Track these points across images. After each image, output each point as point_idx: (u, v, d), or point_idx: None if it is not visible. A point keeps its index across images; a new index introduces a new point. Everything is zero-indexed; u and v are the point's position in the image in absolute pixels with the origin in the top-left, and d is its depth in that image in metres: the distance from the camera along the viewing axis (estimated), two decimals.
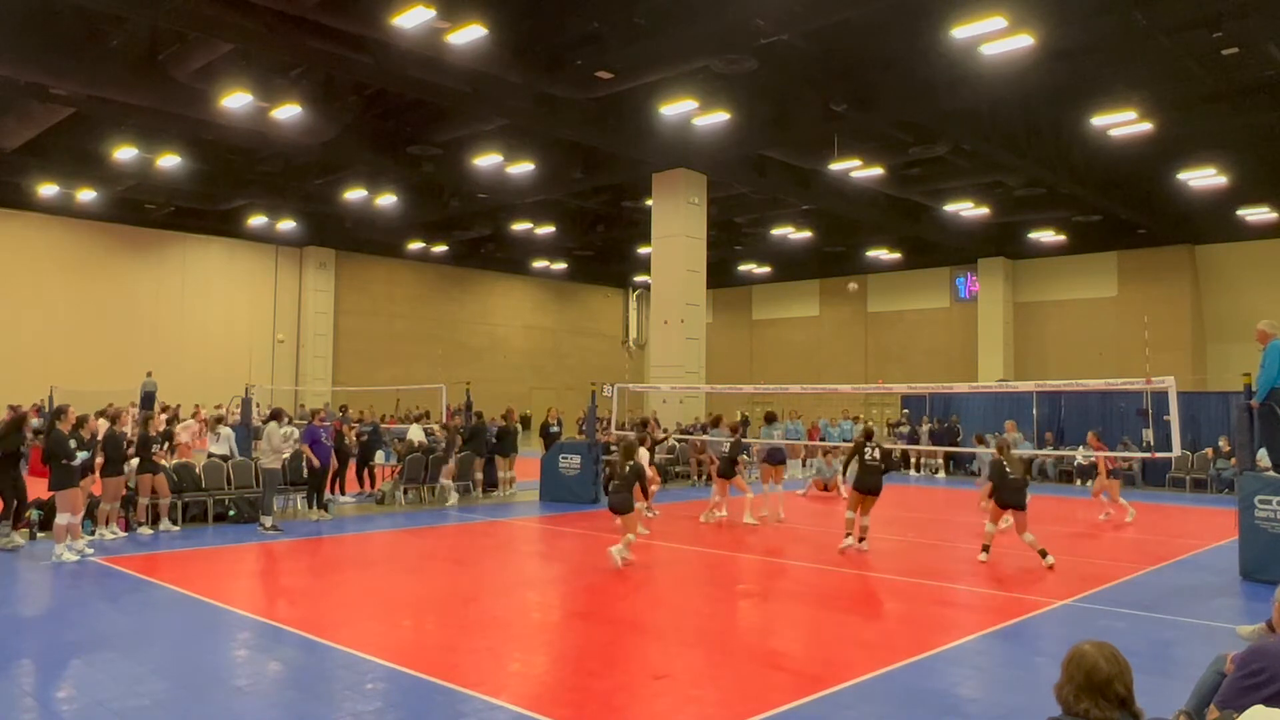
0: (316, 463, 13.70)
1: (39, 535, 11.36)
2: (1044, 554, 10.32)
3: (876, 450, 11.47)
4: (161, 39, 17.34)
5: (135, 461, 12.12)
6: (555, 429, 18.45)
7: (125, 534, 11.87)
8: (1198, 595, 9.24)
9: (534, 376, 41.92)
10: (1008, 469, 10.61)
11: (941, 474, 24.32)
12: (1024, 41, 14.45)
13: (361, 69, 17.24)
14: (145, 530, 12.11)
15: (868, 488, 11.27)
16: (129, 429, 12.63)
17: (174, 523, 12.55)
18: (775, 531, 13.56)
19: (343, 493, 16.24)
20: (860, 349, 38.58)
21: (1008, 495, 10.68)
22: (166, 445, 15.66)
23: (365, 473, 17.21)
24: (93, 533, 11.60)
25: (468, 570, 10.18)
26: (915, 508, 17.30)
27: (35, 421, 12.24)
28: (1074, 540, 13.07)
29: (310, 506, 14.12)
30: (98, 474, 11.59)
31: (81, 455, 10.45)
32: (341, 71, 18.01)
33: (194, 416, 22.37)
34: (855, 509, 11.28)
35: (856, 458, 11.57)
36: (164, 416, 20.44)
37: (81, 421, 11.04)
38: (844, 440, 24.70)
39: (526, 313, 43.02)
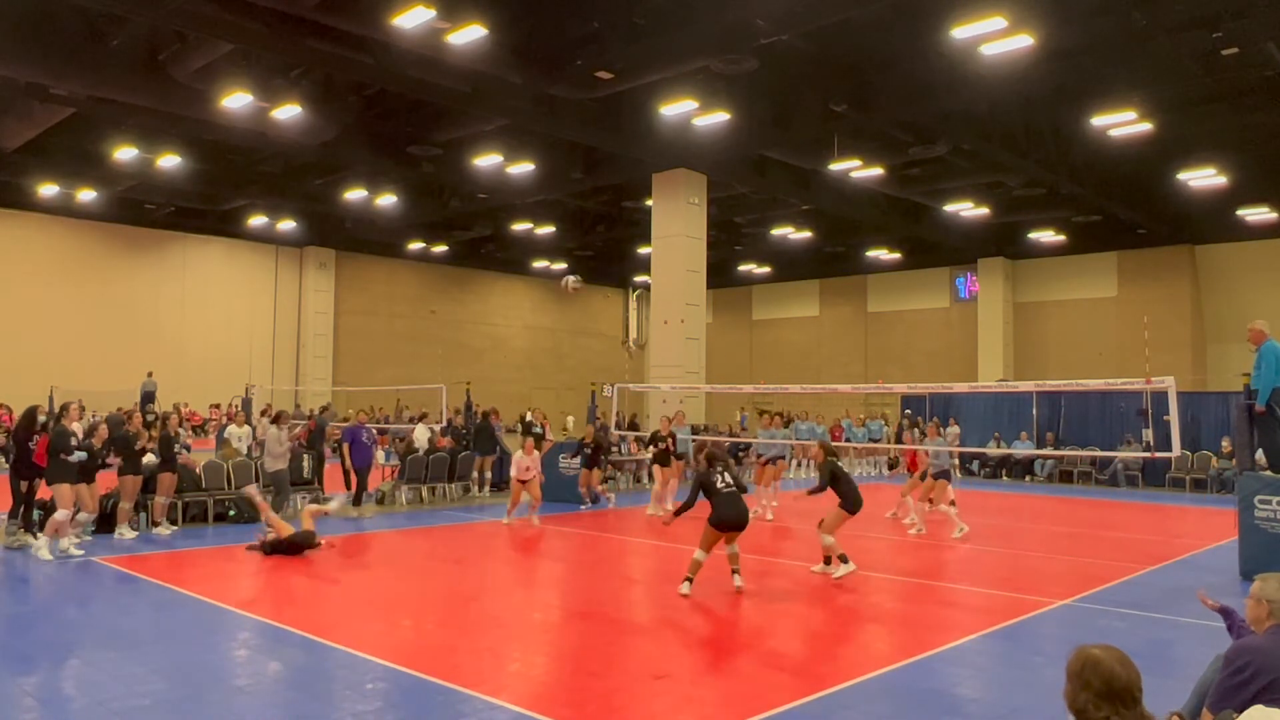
0: (349, 464, 14.21)
1: (39, 535, 11.37)
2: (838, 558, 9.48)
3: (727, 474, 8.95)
4: (161, 39, 17.33)
5: (153, 460, 12.18)
6: (539, 429, 18.45)
7: (135, 534, 11.88)
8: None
9: (534, 376, 41.92)
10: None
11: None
12: (1024, 41, 14.44)
13: (361, 69, 17.24)
14: (162, 530, 12.14)
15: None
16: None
17: (173, 523, 12.56)
18: (774, 531, 13.56)
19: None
20: (860, 349, 38.58)
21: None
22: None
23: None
24: (112, 532, 11.65)
25: (468, 570, 10.19)
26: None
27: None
28: (1074, 540, 13.07)
29: (355, 504, 14.50)
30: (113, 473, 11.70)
31: (79, 455, 10.45)
32: (341, 71, 18.01)
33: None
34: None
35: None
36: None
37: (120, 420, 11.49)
38: (872, 440, 24.83)
39: (526, 313, 43.02)
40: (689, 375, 23.73)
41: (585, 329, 45.14)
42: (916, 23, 15.63)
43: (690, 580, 8.69)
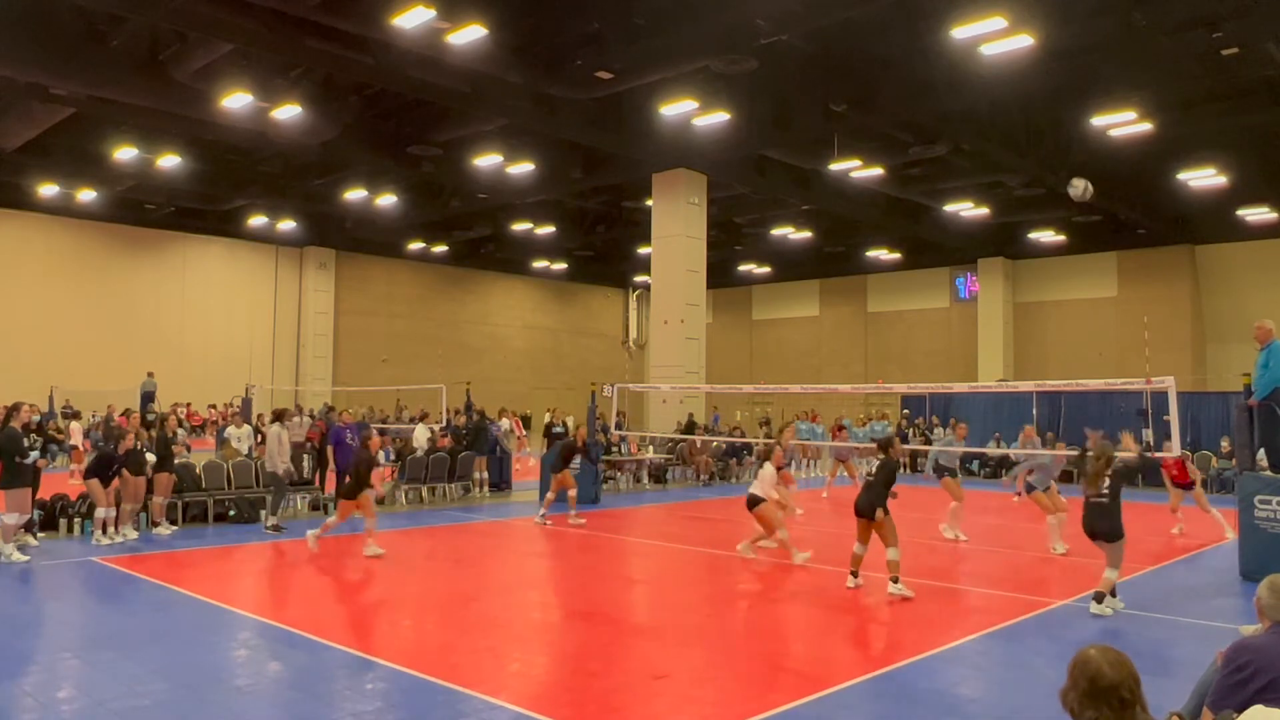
0: (333, 464, 14.13)
1: (40, 535, 11.37)
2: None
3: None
4: (161, 39, 17.34)
5: (153, 460, 12.16)
6: (559, 429, 18.43)
7: (136, 534, 11.86)
8: (1198, 595, 9.24)
9: (534, 376, 41.92)
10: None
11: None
12: (1024, 41, 14.45)
13: (361, 69, 17.24)
14: (162, 531, 12.12)
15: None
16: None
17: (173, 523, 12.56)
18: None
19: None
20: (860, 349, 38.59)
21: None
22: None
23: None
24: (114, 533, 11.63)
25: (468, 570, 10.18)
26: (912, 507, 17.28)
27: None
28: (1074, 540, 13.05)
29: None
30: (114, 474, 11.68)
31: (33, 454, 10.39)
32: (341, 71, 18.01)
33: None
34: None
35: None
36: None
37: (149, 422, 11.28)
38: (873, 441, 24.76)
39: (526, 313, 43.02)
40: (689, 375, 23.73)
41: (585, 329, 45.13)
42: (916, 23, 15.64)
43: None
